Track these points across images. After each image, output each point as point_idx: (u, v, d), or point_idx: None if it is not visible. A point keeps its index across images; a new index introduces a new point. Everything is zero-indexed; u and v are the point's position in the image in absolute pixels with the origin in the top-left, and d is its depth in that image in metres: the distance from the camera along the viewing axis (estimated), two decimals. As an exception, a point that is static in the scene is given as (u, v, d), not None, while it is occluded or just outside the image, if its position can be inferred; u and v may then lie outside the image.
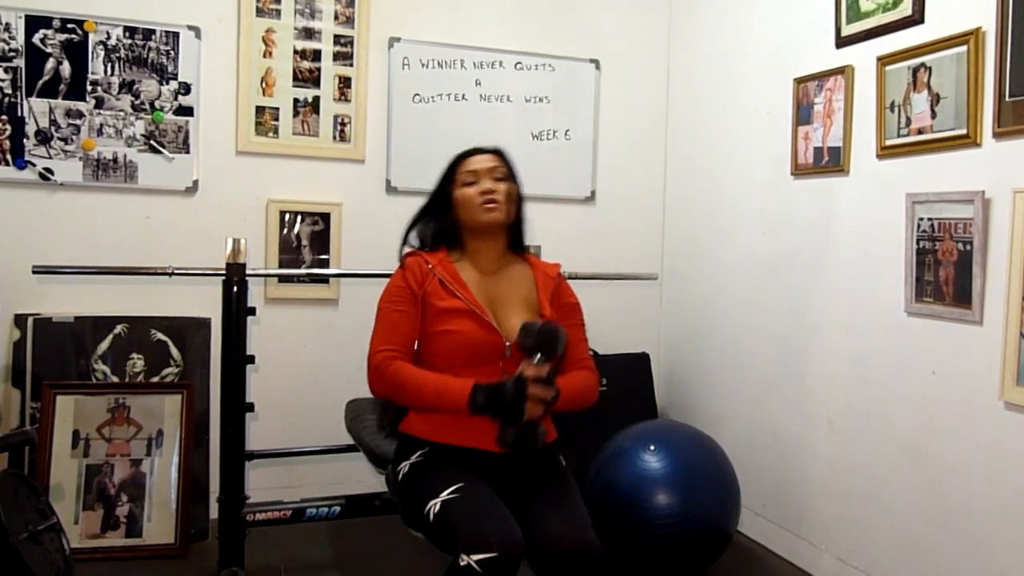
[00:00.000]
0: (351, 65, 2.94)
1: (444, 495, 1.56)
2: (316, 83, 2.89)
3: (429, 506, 1.56)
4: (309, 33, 2.89)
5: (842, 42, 2.38)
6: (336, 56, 2.93)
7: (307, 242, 2.89)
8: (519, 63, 3.16)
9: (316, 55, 2.90)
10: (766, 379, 2.73)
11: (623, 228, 3.34)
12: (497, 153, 1.85)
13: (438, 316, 1.73)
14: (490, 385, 1.61)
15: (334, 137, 2.92)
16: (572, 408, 1.74)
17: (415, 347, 1.77)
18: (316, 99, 2.90)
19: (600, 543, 1.53)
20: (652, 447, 2.33)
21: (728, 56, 2.99)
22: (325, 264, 2.90)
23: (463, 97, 3.09)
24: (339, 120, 2.93)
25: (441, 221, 1.83)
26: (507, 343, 1.72)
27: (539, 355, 1.61)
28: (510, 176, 1.83)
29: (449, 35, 3.06)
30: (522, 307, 1.79)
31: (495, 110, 3.12)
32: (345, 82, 2.93)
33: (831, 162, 2.43)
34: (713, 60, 3.09)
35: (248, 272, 2.28)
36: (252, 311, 2.31)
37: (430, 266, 1.78)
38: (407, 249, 1.87)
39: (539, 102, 3.19)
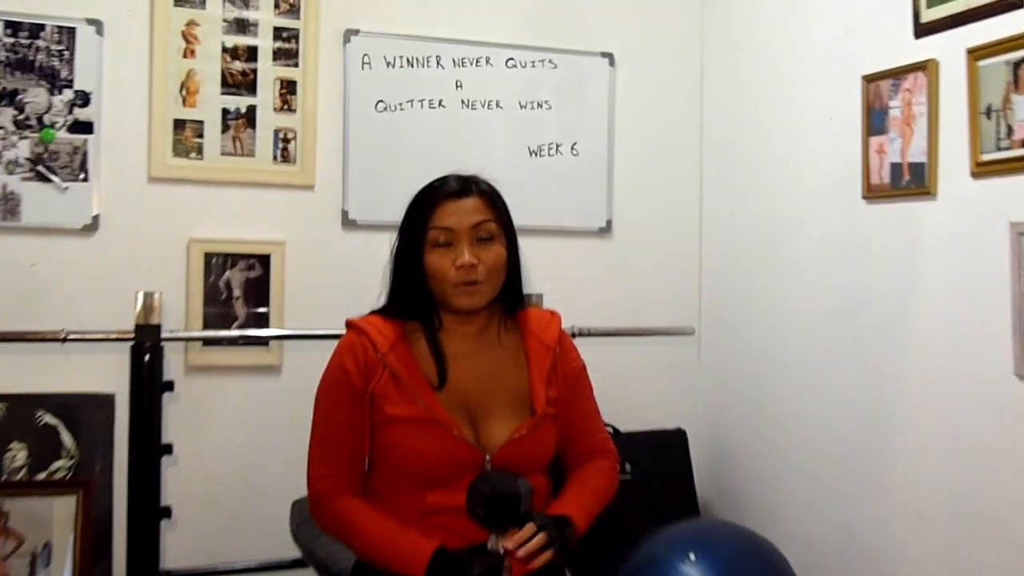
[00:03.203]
0: (296, 66, 2.97)
1: None
2: (251, 89, 2.93)
3: None
4: (242, 26, 2.93)
5: (922, 30, 2.41)
6: (277, 54, 2.96)
7: (240, 293, 2.90)
8: (511, 59, 3.19)
9: (251, 53, 2.93)
10: (837, 461, 2.73)
11: (649, 268, 3.35)
12: (483, 194, 1.81)
13: (390, 426, 1.74)
14: (457, 557, 1.61)
15: (275, 157, 2.95)
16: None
17: (366, 461, 1.78)
18: (251, 109, 2.93)
19: None
20: (692, 556, 2.30)
21: (778, 47, 3.03)
22: (264, 321, 2.91)
23: (440, 103, 3.12)
24: (281, 135, 2.96)
25: (404, 289, 1.82)
26: (487, 456, 1.72)
27: (495, 533, 1.60)
28: (501, 231, 1.81)
29: (421, 25, 3.09)
30: (510, 402, 1.78)
31: (481, 119, 3.15)
32: (289, 87, 2.97)
33: (913, 182, 2.45)
34: (759, 52, 3.14)
35: (164, 335, 2.29)
36: (169, 385, 2.31)
37: (379, 354, 1.76)
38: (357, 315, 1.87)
39: (537, 108, 3.23)
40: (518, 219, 1.93)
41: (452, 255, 1.73)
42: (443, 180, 1.81)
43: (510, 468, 1.72)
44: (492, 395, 1.78)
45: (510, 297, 1.87)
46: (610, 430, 3.03)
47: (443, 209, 1.75)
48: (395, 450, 1.73)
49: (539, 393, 1.78)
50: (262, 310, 2.93)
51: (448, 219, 1.74)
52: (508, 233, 1.82)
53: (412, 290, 1.79)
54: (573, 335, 2.67)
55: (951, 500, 2.35)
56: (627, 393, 3.10)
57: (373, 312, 1.89)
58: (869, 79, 2.60)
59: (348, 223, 3.02)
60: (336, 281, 2.95)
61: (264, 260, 2.92)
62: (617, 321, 3.09)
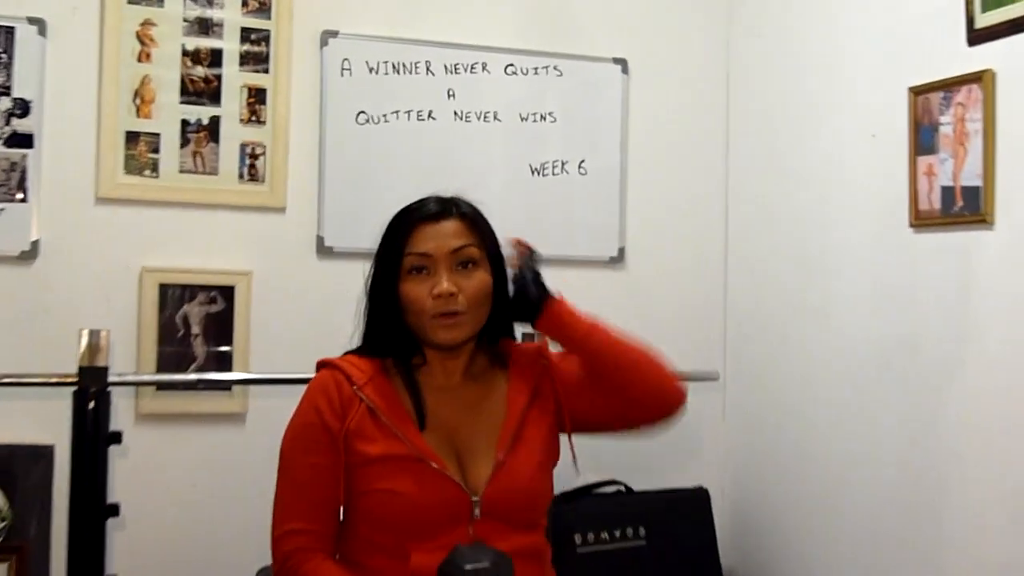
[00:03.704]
0: (266, 71, 2.99)
1: None
2: (215, 98, 2.95)
3: None
4: (205, 26, 2.94)
5: (977, 37, 2.41)
6: (245, 59, 2.98)
7: (200, 330, 2.91)
8: (511, 65, 3.22)
9: (215, 57, 2.95)
10: (881, 531, 2.71)
11: (666, 304, 3.35)
12: (464, 216, 1.83)
13: (368, 469, 1.74)
14: None
15: (241, 175, 2.97)
16: (619, 370, 1.82)
17: (340, 516, 1.78)
18: (215, 120, 2.94)
19: None
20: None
21: (815, 55, 3.05)
22: (227, 363, 2.91)
23: (430, 115, 3.15)
24: (248, 151, 2.98)
25: (380, 324, 1.84)
26: (475, 498, 1.74)
27: None
28: (484, 256, 1.83)
29: (409, 26, 3.11)
30: (495, 442, 1.81)
31: (477, 133, 3.18)
32: (257, 96, 2.99)
33: (967, 208, 2.45)
34: (793, 60, 3.15)
35: (111, 379, 2.27)
36: (116, 437, 2.30)
37: (355, 387, 1.78)
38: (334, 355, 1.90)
39: (541, 120, 3.25)
40: (518, 246, 1.94)
41: (429, 283, 1.76)
42: (421, 202, 1.84)
43: (500, 510, 1.75)
44: (478, 434, 1.81)
45: (496, 328, 1.90)
46: (622, 488, 3.12)
47: (420, 233, 1.78)
48: (373, 498, 1.73)
49: (504, 439, 1.81)
50: (224, 349, 2.93)
51: (425, 244, 1.77)
52: (494, 259, 1.85)
53: (388, 324, 1.82)
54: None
55: (1016, 573, 2.32)
56: (641, 447, 2.97)
57: (348, 353, 1.91)
58: (917, 91, 2.60)
59: (324, 251, 3.02)
60: (310, 317, 2.95)
61: (227, 293, 2.93)
62: (630, 364, 3.08)
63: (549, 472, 1.92)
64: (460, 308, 1.76)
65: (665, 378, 1.88)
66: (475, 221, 1.83)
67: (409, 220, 1.80)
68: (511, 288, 1.86)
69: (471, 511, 1.73)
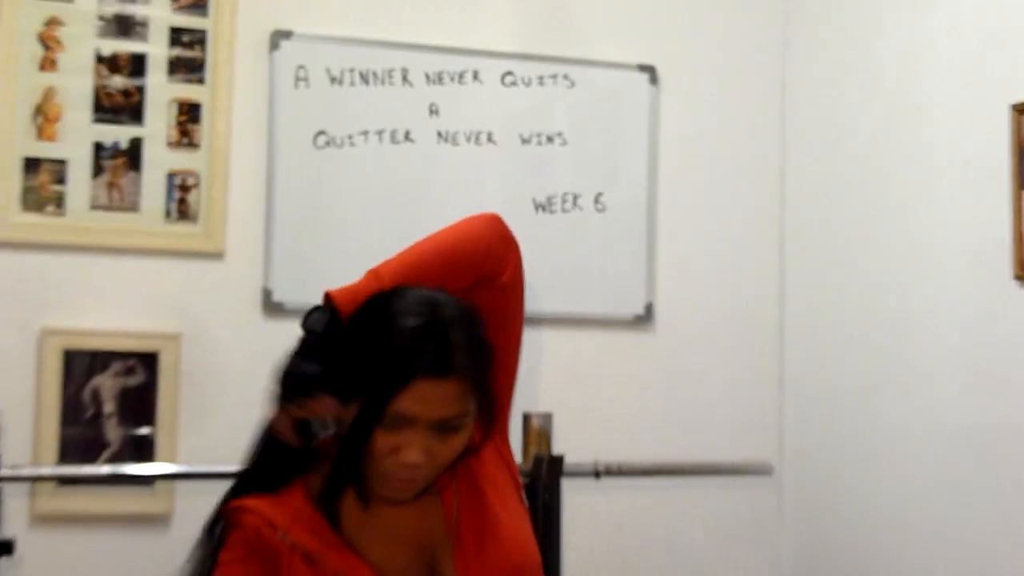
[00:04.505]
0: (201, 82, 3.01)
1: None
2: (136, 115, 2.96)
3: None
4: (126, 26, 2.95)
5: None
6: (175, 66, 2.99)
7: (114, 408, 2.90)
8: (510, 73, 3.23)
9: (138, 65, 2.96)
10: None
11: (706, 376, 3.34)
12: (466, 375, 1.80)
13: None
14: None
15: (168, 213, 2.97)
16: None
17: None
18: (136, 143, 2.95)
19: None
20: None
21: (894, 64, 3.05)
22: (148, 451, 2.89)
23: (407, 136, 3.15)
24: (178, 181, 2.98)
25: (336, 455, 1.85)
26: None
27: None
28: (473, 413, 1.84)
29: (380, 26, 3.12)
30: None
31: (466, 159, 3.17)
32: (190, 113, 3.00)
33: (1087, 255, 2.43)
34: (866, 69, 3.14)
35: (2, 472, 2.27)
36: (7, 547, 2.28)
37: (281, 534, 1.78)
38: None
39: (547, 143, 3.25)
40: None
41: (397, 441, 1.76)
42: (415, 340, 1.78)
43: None
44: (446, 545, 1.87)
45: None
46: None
47: (412, 392, 1.75)
48: None
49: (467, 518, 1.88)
50: (145, 433, 2.91)
51: (414, 406, 1.75)
52: (481, 399, 1.86)
53: (342, 461, 1.83)
54: (596, 474, 2.69)
55: None
56: (678, 555, 3.08)
57: (240, 482, 1.92)
58: (1021, 109, 2.60)
59: (272, 307, 3.02)
60: (255, 393, 2.66)
61: (149, 361, 2.92)
62: (661, 454, 3.06)
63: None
64: (419, 476, 1.81)
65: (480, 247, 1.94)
66: (476, 380, 1.81)
67: (405, 371, 1.75)
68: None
69: None
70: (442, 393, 1.76)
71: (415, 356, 1.75)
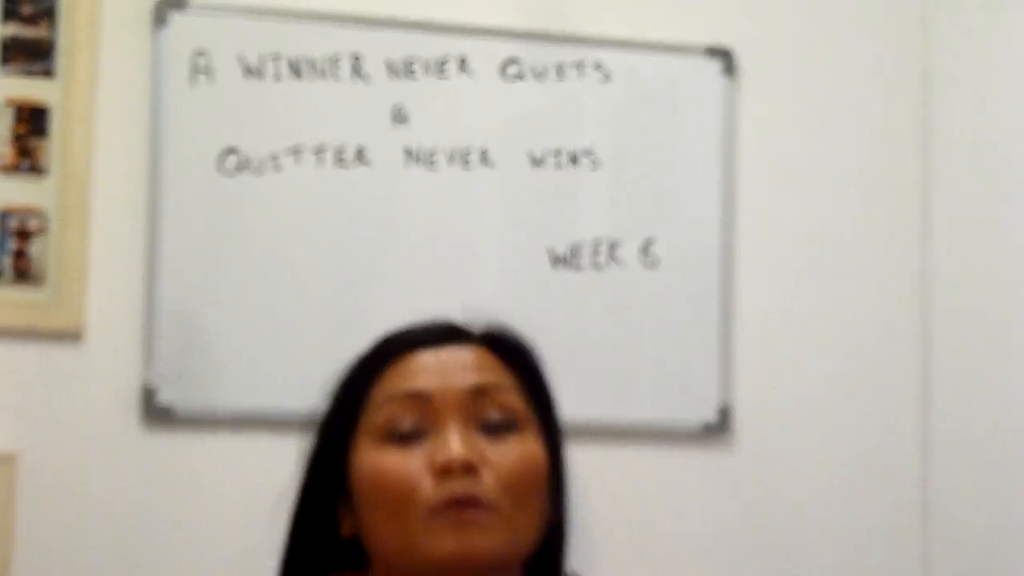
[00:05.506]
0: (49, 74, 2.66)
1: None
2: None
3: None
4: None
5: None
6: (10, 52, 2.67)
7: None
8: (513, 62, 2.79)
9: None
10: None
11: (808, 513, 2.95)
12: (489, 343, 1.51)
13: None
14: None
15: (0, 272, 2.66)
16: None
17: None
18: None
19: None
20: None
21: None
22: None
23: (359, 155, 2.73)
24: (14, 225, 2.65)
25: (312, 536, 1.54)
26: None
27: None
28: (531, 412, 1.46)
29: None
30: None
31: (449, 188, 2.77)
32: (33, 121, 2.66)
33: None
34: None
35: None
36: None
37: None
38: None
39: (570, 164, 2.80)
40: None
41: (424, 451, 1.42)
42: (405, 328, 1.58)
43: None
44: None
45: (545, 565, 1.52)
46: None
47: (405, 365, 1.46)
48: None
49: None
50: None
51: (417, 378, 1.45)
52: (547, 422, 1.49)
53: (322, 540, 1.51)
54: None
55: None
56: None
57: None
58: None
59: (156, 414, 2.63)
60: (130, 540, 2.60)
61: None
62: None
63: None
64: (486, 494, 1.38)
65: None
66: (510, 350, 1.49)
67: (386, 349, 1.50)
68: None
69: None
70: (453, 360, 1.49)
71: (402, 334, 1.55)
